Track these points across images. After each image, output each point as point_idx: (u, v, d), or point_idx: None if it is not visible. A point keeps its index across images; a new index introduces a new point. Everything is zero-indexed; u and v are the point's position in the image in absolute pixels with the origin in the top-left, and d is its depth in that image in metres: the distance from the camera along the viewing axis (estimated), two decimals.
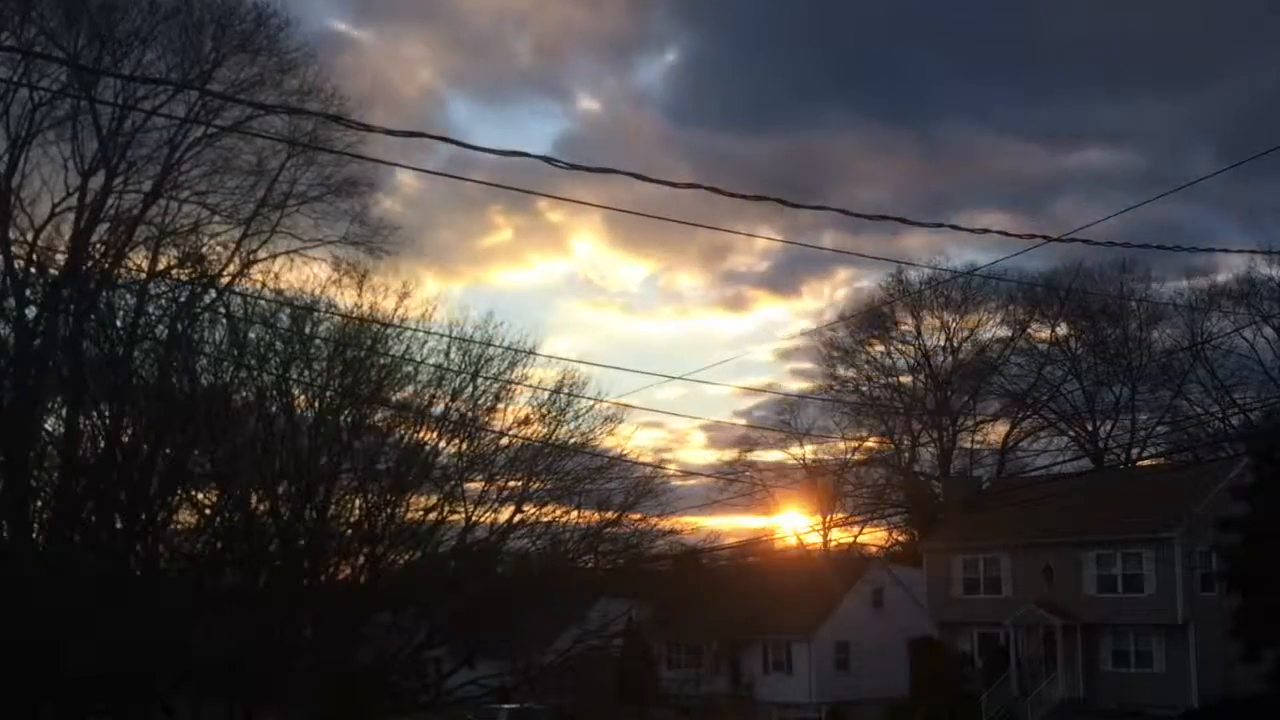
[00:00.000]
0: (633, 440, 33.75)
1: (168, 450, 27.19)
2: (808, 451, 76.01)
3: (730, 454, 77.80)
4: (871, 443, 76.16)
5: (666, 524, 34.25)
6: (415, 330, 30.01)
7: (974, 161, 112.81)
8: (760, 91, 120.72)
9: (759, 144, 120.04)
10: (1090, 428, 72.21)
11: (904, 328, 75.70)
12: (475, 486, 30.77)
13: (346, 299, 30.84)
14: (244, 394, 29.08)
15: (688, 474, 68.82)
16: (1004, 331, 74.72)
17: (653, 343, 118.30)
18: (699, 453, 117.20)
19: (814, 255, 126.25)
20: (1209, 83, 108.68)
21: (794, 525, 77.37)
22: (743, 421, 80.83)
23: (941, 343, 75.14)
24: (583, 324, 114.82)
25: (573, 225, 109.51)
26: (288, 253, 37.19)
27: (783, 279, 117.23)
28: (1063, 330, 72.60)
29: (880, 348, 76.45)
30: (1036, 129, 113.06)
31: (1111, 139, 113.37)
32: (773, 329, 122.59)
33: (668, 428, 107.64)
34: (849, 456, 76.03)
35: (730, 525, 76.21)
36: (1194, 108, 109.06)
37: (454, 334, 30.66)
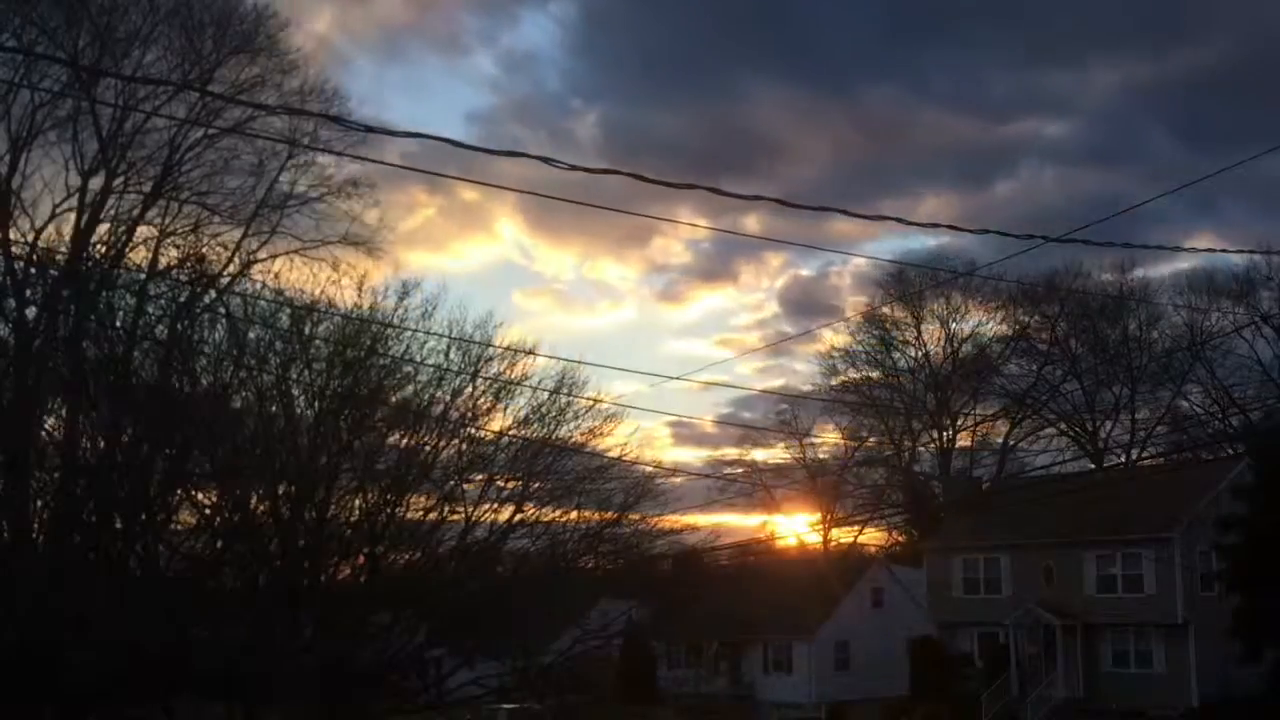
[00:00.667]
0: (630, 440, 33.43)
1: (168, 450, 27.18)
2: (791, 449, 75.97)
3: (715, 452, 78.05)
4: (871, 442, 76.23)
5: (667, 523, 34.23)
6: (415, 330, 30.00)
7: (910, 134, 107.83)
8: (671, 56, 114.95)
9: (673, 116, 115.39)
10: (1090, 428, 72.22)
11: (904, 326, 75.79)
12: (475, 487, 30.77)
13: (346, 299, 30.85)
14: (244, 394, 29.09)
15: (687, 474, 68.67)
16: (1004, 330, 74.80)
17: (591, 332, 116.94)
18: (674, 451, 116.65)
19: (743, 241, 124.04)
20: (1157, 48, 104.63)
21: (794, 525, 77.51)
22: (733, 421, 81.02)
23: (941, 342, 75.24)
24: (515, 310, 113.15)
25: (492, 208, 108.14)
26: (288, 253, 37.27)
27: (714, 265, 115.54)
28: (1058, 326, 72.63)
29: (879, 347, 76.51)
30: (974, 98, 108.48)
31: (1055, 109, 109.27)
32: (716, 318, 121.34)
33: (639, 425, 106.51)
34: (848, 455, 76.02)
35: (731, 523, 76.09)
36: (1141, 75, 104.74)
37: (454, 334, 30.67)
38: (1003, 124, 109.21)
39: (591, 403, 31.21)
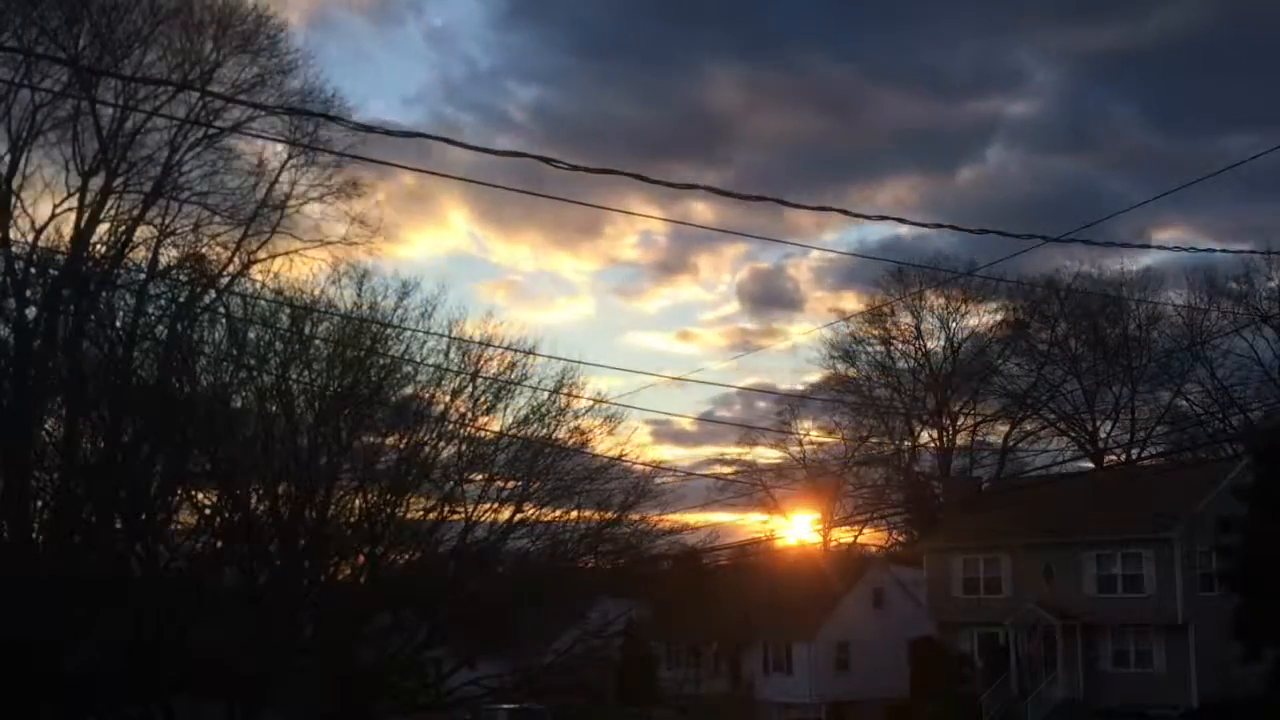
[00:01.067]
0: (630, 441, 33.41)
1: (168, 450, 27.19)
2: (782, 448, 75.80)
3: (693, 450, 77.93)
4: (872, 441, 76.15)
5: (667, 521, 34.26)
6: (415, 331, 30.03)
7: (865, 114, 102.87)
8: (614, 32, 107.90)
9: (614, 96, 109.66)
10: (1090, 428, 72.22)
11: (902, 324, 75.72)
12: (475, 486, 30.78)
13: (346, 299, 30.85)
14: (244, 394, 29.11)
15: (686, 474, 68.61)
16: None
17: (547, 326, 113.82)
18: (652, 450, 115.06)
19: (691, 231, 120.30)
20: (1122, 20, 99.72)
21: (794, 525, 77.41)
22: (727, 421, 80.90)
23: (941, 342, 75.20)
24: (474, 303, 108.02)
25: (439, 196, 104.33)
26: (288, 253, 37.24)
27: (669, 257, 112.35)
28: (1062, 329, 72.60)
29: (880, 346, 76.47)
30: (932, 76, 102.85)
31: (1018, 87, 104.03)
32: (677, 310, 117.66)
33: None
34: (849, 454, 75.95)
35: (730, 523, 76.08)
36: (1103, 45, 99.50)
37: (453, 334, 30.71)
38: (964, 103, 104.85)
39: (592, 403, 31.26)
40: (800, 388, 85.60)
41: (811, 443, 74.87)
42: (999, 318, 73.92)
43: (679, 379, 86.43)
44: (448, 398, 30.48)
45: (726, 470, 74.65)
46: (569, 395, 31.17)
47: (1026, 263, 70.00)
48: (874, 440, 75.81)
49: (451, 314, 30.95)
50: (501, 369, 31.00)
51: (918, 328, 74.95)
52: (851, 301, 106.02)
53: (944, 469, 73.13)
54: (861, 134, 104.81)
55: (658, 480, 34.10)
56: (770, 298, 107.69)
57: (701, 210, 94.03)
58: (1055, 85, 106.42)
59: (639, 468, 32.84)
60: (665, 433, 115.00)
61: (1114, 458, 69.68)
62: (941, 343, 74.98)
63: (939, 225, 18.01)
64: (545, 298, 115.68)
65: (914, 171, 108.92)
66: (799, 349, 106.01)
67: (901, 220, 30.84)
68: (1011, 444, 74.52)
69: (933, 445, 75.29)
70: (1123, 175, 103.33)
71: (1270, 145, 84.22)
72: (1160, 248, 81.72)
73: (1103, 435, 72.19)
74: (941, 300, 73.99)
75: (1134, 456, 68.17)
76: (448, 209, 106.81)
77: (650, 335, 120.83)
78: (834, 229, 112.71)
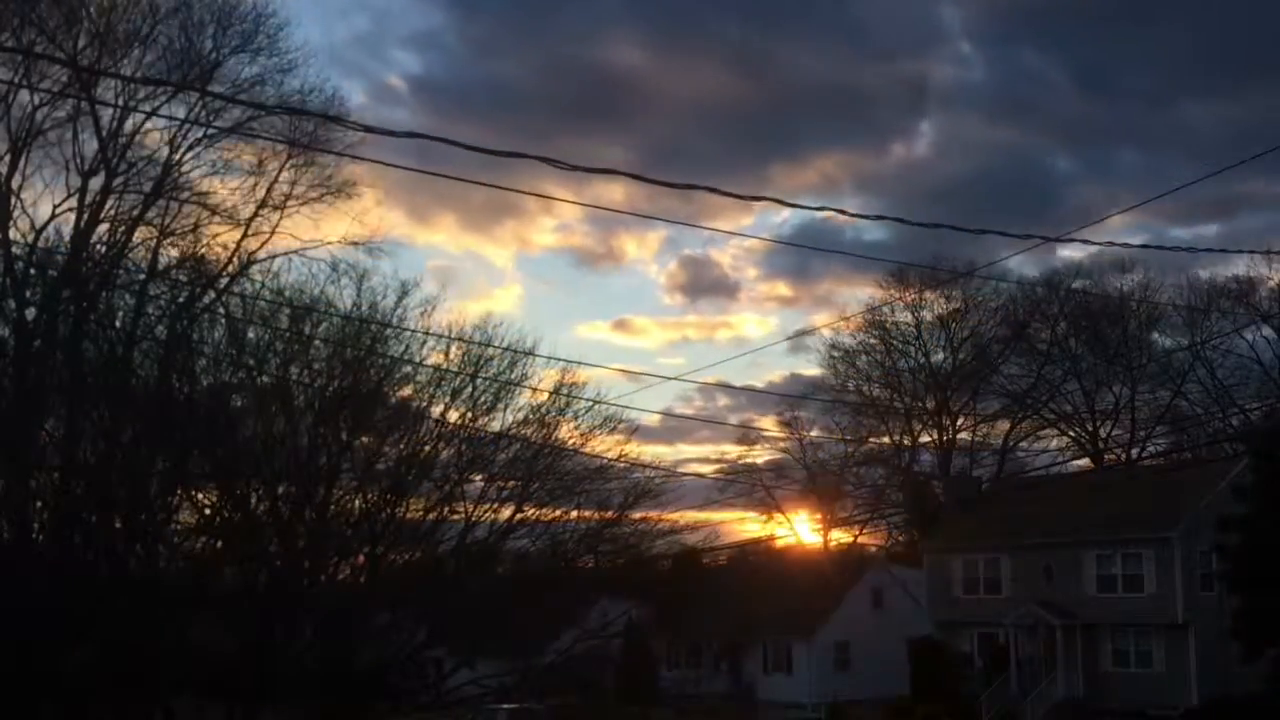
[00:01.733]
0: (630, 441, 33.39)
1: (168, 450, 27.18)
2: (766, 448, 75.78)
3: (670, 449, 77.65)
4: (871, 441, 76.16)
5: (668, 519, 34.27)
6: (414, 331, 30.04)
7: (786, 83, 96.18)
8: None
9: (497, 62, 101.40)
10: (1090, 428, 72.20)
11: (904, 325, 75.71)
12: (475, 487, 30.81)
13: (346, 299, 30.86)
14: (244, 394, 29.12)
15: (683, 475, 68.64)
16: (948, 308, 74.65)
17: (489, 317, 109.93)
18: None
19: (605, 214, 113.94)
20: None
21: (794, 525, 77.47)
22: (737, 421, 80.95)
23: (942, 342, 75.15)
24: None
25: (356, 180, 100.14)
26: (287, 253, 37.26)
27: (590, 243, 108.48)
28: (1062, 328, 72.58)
29: (880, 346, 76.44)
30: (854, 39, 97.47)
31: (942, 48, 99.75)
32: (614, 299, 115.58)
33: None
34: (849, 455, 75.95)
35: (731, 518, 76.07)
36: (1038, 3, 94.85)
37: (453, 334, 30.74)
38: (893, 72, 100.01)
39: (591, 404, 31.27)
40: (759, 385, 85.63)
41: (809, 439, 74.90)
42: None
43: (675, 378, 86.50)
44: (447, 398, 30.52)
45: (724, 469, 74.74)
46: (568, 396, 31.22)
47: (984, 255, 69.38)
48: (873, 440, 75.89)
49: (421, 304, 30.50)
50: (501, 369, 31.05)
51: (918, 327, 74.99)
52: (784, 289, 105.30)
53: (944, 469, 73.13)
54: (783, 105, 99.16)
55: (656, 480, 34.13)
56: (703, 285, 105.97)
57: (614, 191, 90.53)
58: (988, 51, 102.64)
59: (637, 468, 32.86)
60: (642, 431, 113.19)
61: (1114, 458, 69.69)
62: (943, 340, 75.01)
63: (937, 225, 17.78)
64: (473, 287, 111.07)
65: (842, 146, 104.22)
66: (751, 341, 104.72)
67: (900, 220, 30.89)
68: (1011, 444, 74.54)
69: (933, 445, 75.33)
70: (1066, 148, 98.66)
71: (1223, 114, 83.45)
72: (1160, 248, 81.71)
73: (1103, 435, 72.22)
74: (944, 300, 73.96)
75: (1134, 456, 68.18)
76: (362, 191, 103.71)
77: (586, 327, 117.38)
78: (761, 212, 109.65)
